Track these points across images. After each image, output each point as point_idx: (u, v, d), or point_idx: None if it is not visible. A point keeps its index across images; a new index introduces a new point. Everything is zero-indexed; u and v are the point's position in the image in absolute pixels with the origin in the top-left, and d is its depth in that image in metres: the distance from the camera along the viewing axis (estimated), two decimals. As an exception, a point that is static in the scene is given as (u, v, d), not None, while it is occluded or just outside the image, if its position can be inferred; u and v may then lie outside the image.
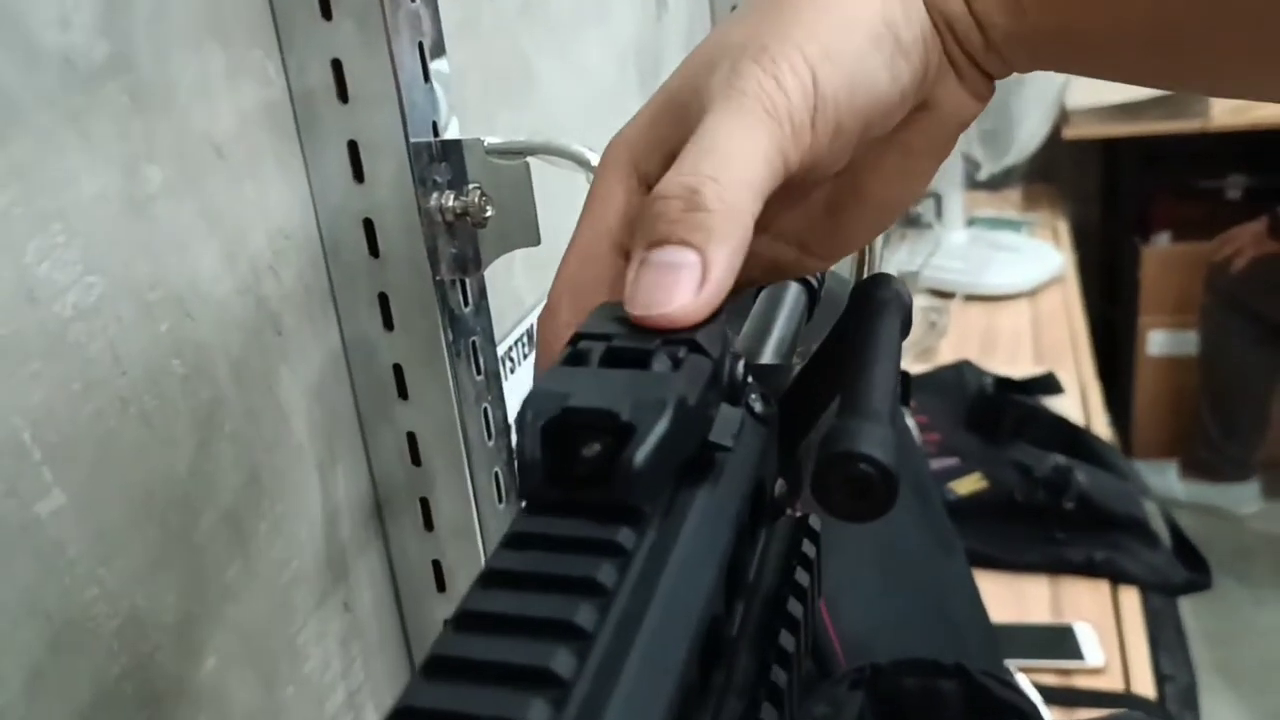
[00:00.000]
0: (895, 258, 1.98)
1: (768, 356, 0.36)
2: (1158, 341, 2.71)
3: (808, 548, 0.29)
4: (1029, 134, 2.15)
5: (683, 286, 0.25)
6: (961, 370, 1.63)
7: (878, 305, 0.29)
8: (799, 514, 0.30)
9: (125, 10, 0.37)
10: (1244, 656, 2.22)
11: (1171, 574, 1.32)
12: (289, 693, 0.45)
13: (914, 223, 1.98)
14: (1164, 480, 2.58)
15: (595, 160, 0.45)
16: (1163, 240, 2.75)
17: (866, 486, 0.23)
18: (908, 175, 0.34)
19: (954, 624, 0.90)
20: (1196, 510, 2.49)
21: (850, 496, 0.23)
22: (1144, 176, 2.73)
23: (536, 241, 0.47)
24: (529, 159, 0.46)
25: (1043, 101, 2.13)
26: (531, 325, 0.60)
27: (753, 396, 0.28)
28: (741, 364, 0.27)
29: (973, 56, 0.32)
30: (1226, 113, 2.49)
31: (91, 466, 0.35)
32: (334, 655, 0.48)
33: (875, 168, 0.33)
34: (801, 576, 0.28)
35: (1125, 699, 1.00)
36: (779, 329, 0.38)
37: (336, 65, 0.44)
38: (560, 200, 0.45)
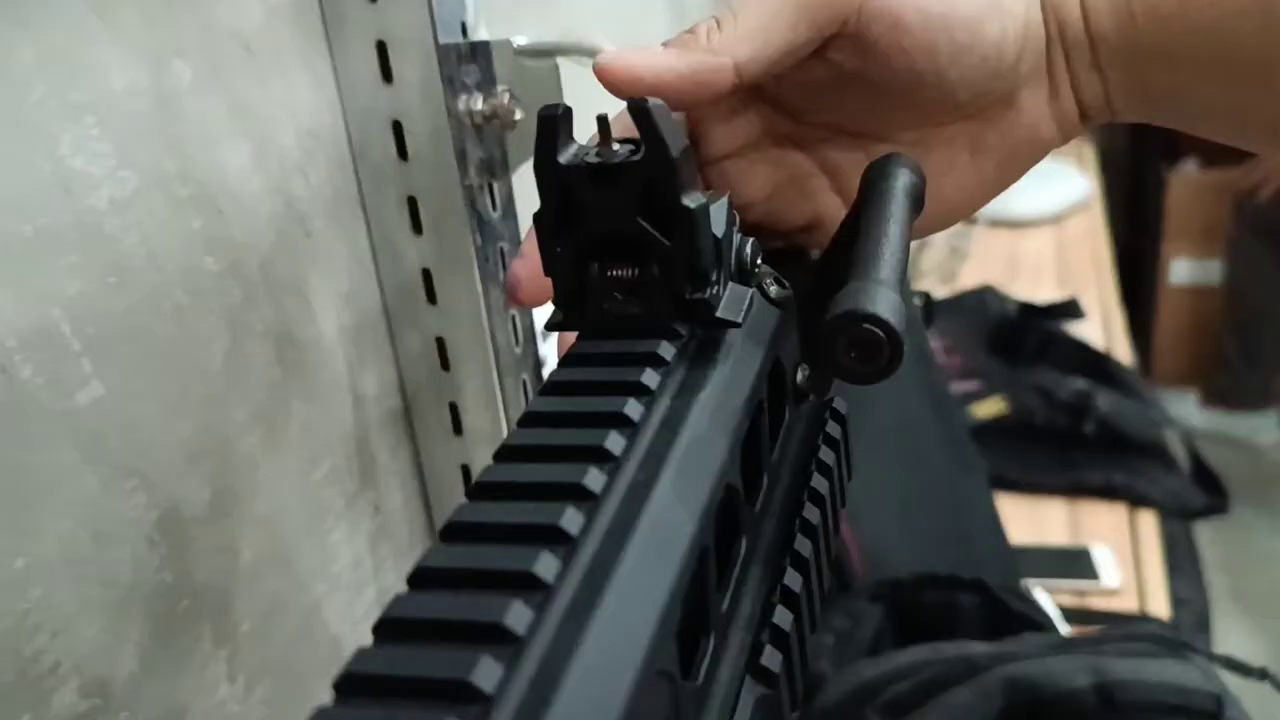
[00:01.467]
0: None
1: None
2: (1181, 270, 2.69)
3: (834, 429, 0.30)
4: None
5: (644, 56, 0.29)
6: (984, 295, 1.62)
7: (887, 184, 0.29)
8: (828, 402, 0.30)
9: (153, -100, 0.36)
10: (1259, 583, 2.23)
11: (1189, 499, 1.32)
12: (320, 590, 0.46)
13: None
14: (1183, 409, 2.57)
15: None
16: (1190, 166, 2.71)
17: (873, 347, 0.23)
18: (975, 176, 0.34)
19: (972, 542, 0.90)
20: (1215, 439, 2.49)
21: (857, 357, 0.24)
22: (1173, 101, 2.68)
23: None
24: (558, 59, 0.45)
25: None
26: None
27: (767, 280, 0.28)
28: (751, 244, 0.27)
29: (1074, 72, 0.33)
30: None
31: (128, 359, 0.35)
32: (364, 555, 0.49)
33: (947, 159, 0.34)
34: (827, 455, 0.29)
35: (1139, 620, 1.01)
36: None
37: (364, -40, 0.43)
38: (586, 102, 0.45)
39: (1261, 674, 0.70)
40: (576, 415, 0.22)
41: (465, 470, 0.52)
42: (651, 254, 0.24)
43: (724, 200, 0.25)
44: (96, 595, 0.35)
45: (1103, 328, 1.69)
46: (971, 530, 0.92)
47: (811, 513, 0.26)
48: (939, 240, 1.96)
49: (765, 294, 0.28)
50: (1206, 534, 1.45)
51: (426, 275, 0.48)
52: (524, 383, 0.51)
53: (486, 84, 0.46)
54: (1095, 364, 1.47)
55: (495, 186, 0.48)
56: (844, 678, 0.66)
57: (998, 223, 2.06)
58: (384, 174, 0.47)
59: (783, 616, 0.24)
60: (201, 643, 0.39)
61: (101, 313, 0.34)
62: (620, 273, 0.25)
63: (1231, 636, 2.18)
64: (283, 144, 0.43)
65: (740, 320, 0.25)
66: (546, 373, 0.55)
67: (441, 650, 0.16)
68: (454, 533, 0.20)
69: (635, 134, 0.24)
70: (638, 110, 0.23)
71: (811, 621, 0.25)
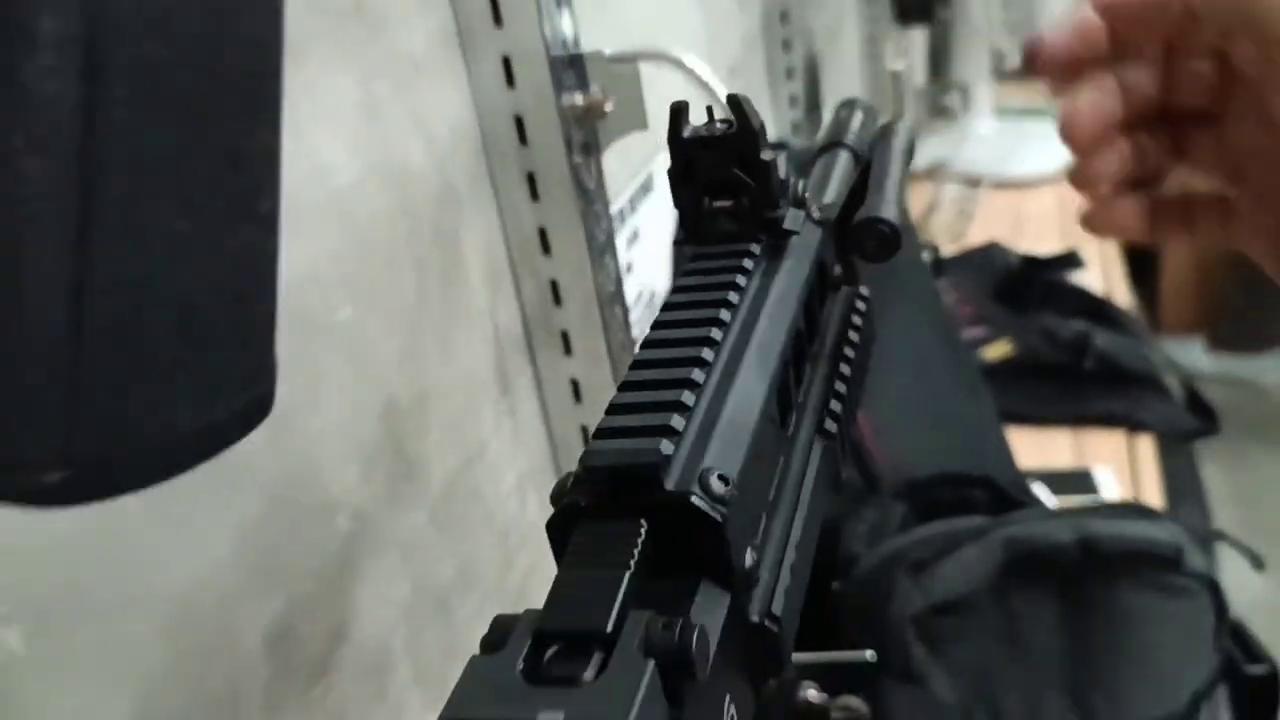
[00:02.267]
0: (925, 149, 2.10)
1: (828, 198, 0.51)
2: (1184, 221, 2.81)
3: (860, 304, 0.44)
4: (1056, 18, 2.24)
5: None
6: (990, 250, 1.76)
7: (886, 141, 0.43)
8: (856, 289, 0.45)
9: (361, -32, 0.51)
10: (1265, 514, 2.36)
11: (1182, 422, 1.46)
12: (479, 471, 0.61)
13: (942, 113, 2.09)
14: (1191, 354, 2.70)
15: (689, 63, 0.59)
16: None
17: (884, 237, 0.38)
18: None
19: (983, 456, 1.05)
20: (1223, 382, 2.61)
21: (875, 244, 0.38)
22: (1170, 61, 2.80)
23: (645, 126, 0.61)
24: (638, 63, 0.60)
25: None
26: (626, 200, 0.75)
27: (813, 208, 0.43)
28: (802, 185, 0.42)
29: None
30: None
31: (361, 292, 0.51)
32: (506, 447, 0.64)
33: None
34: (857, 318, 0.43)
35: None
36: (834, 184, 0.53)
37: (493, -1, 0.58)
38: (657, 94, 0.60)
39: (1219, 535, 0.85)
40: (706, 285, 0.37)
41: (574, 384, 0.68)
42: (743, 190, 0.39)
43: (783, 155, 0.40)
44: (352, 452, 0.50)
45: (1102, 276, 1.82)
46: (981, 446, 1.07)
47: (849, 349, 0.41)
48: (947, 203, 2.10)
49: (811, 216, 0.43)
50: (1214, 471, 1.58)
51: (541, 232, 0.64)
52: (618, 312, 0.66)
53: (584, 85, 0.61)
54: (1094, 307, 1.61)
55: (591, 163, 0.63)
56: (876, 552, 0.81)
57: (1002, 184, 2.19)
58: (508, 156, 0.62)
59: (835, 405, 0.39)
60: (407, 492, 0.54)
61: (346, 259, 0.50)
62: (722, 204, 0.40)
63: (1239, 562, 2.32)
64: (440, 136, 0.58)
65: (798, 230, 0.40)
66: (633, 306, 0.70)
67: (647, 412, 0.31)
68: (640, 364, 0.34)
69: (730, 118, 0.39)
70: (732, 100, 0.38)
71: (850, 413, 0.40)
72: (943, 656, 0.76)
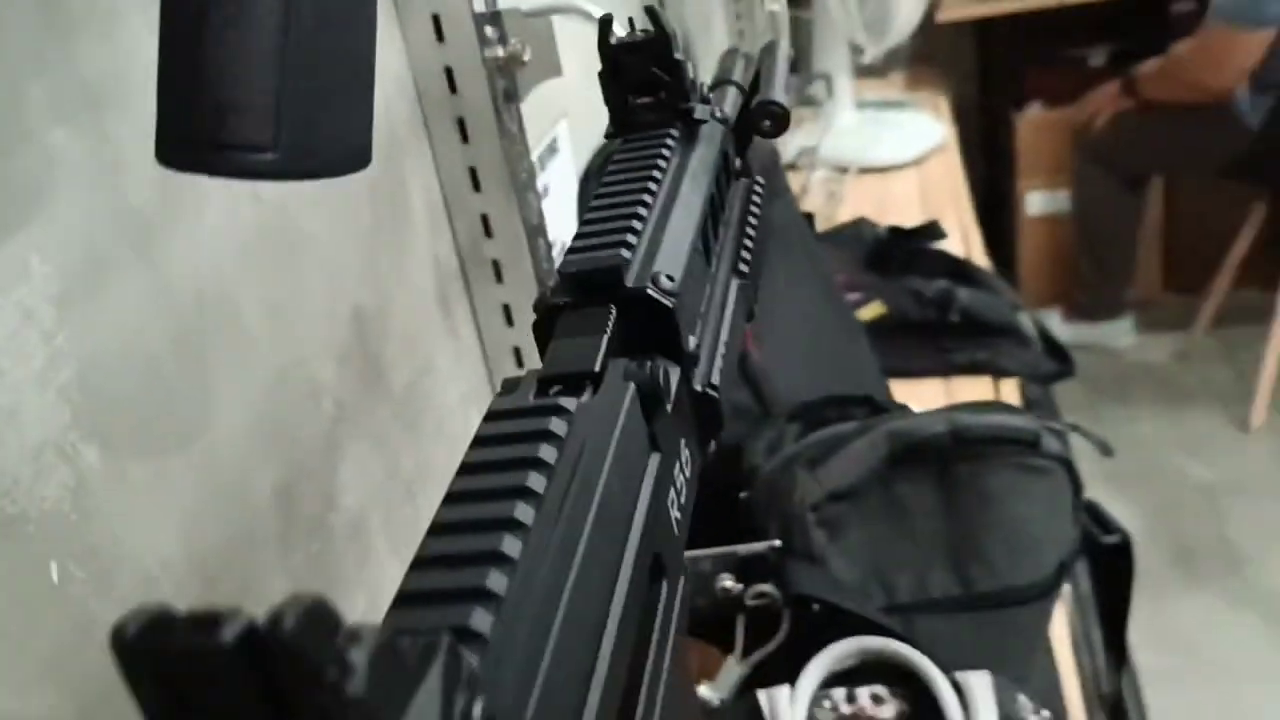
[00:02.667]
0: (794, 139, 2.24)
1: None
2: (1036, 202, 3.02)
3: (758, 190, 0.54)
4: (906, 18, 2.41)
5: None
6: (859, 225, 1.89)
7: (770, 53, 0.53)
8: (752, 180, 0.55)
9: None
10: (1126, 464, 2.55)
11: (1042, 366, 1.61)
12: (429, 382, 0.69)
13: (809, 103, 2.23)
14: (1050, 324, 2.90)
15: (594, 13, 0.69)
16: (1035, 109, 3.04)
17: (777, 115, 0.48)
18: None
19: (862, 383, 1.16)
20: (1080, 349, 2.81)
21: (770, 122, 0.48)
22: (1015, 52, 3.02)
23: (560, 73, 0.70)
24: (552, 17, 0.69)
25: (914, -9, 2.38)
26: (535, 158, 0.84)
27: (716, 110, 0.53)
28: (705, 86, 0.51)
29: None
30: (1083, -17, 2.78)
31: (329, 211, 0.59)
32: (450, 365, 0.72)
33: None
34: (754, 202, 0.53)
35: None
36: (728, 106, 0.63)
37: None
38: (570, 42, 0.69)
39: (1072, 426, 0.97)
40: (640, 157, 0.46)
41: (506, 309, 0.76)
42: (661, 87, 0.48)
43: (692, 63, 0.50)
44: (331, 349, 0.58)
45: (963, 244, 1.98)
46: (860, 377, 1.18)
47: (752, 219, 0.51)
48: (817, 187, 2.24)
49: (715, 115, 0.52)
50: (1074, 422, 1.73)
51: (472, 171, 0.72)
52: (541, 243, 0.75)
53: (504, 38, 0.70)
54: (955, 268, 1.75)
55: (513, 109, 0.72)
56: (775, 458, 0.91)
57: (866, 169, 2.34)
58: (441, 104, 0.70)
59: (745, 255, 0.48)
60: (375, 390, 0.62)
61: (312, 201, 0.58)
62: (644, 100, 0.49)
63: (1110, 505, 2.51)
64: (384, 90, 0.66)
65: (707, 120, 0.49)
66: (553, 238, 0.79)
67: (608, 230, 0.40)
68: (597, 201, 0.43)
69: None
70: (650, 10, 0.47)
71: (757, 267, 0.50)
72: (839, 540, 0.86)
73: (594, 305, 0.38)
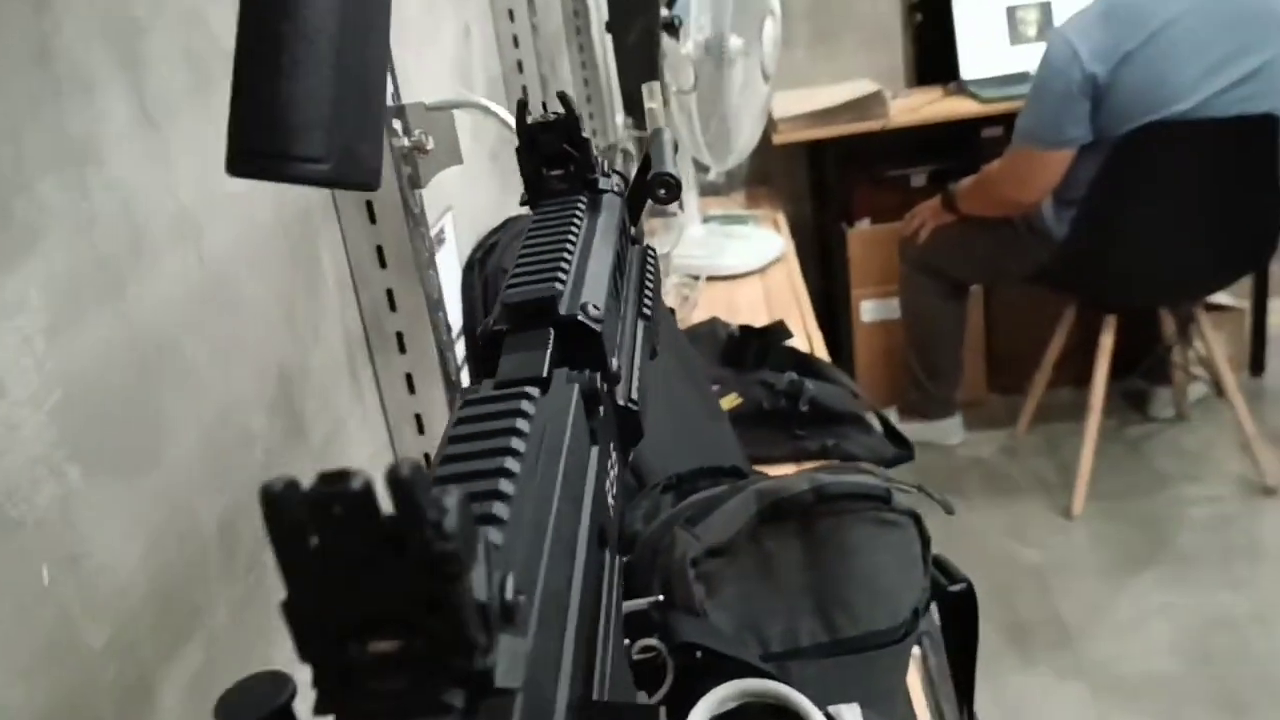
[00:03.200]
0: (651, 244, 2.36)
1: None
2: (869, 309, 3.22)
3: (651, 255, 0.62)
4: (746, 139, 2.58)
5: None
6: (713, 324, 2.01)
7: (658, 138, 0.62)
8: (645, 245, 0.63)
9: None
10: (962, 550, 2.70)
11: (884, 450, 1.73)
12: (342, 440, 0.74)
13: (662, 214, 2.36)
14: (887, 423, 3.07)
15: (497, 110, 0.77)
16: (864, 225, 3.27)
17: (669, 184, 0.56)
18: None
19: (730, 463, 1.25)
20: (915, 446, 2.99)
21: (664, 190, 0.57)
22: (844, 172, 3.25)
23: (460, 161, 0.78)
24: (453, 110, 0.77)
25: (753, 111, 2.56)
26: (442, 225, 0.91)
27: (616, 184, 0.61)
28: (609, 168, 0.60)
29: None
30: (902, 112, 3.04)
31: (259, 274, 0.64)
32: (358, 429, 0.77)
33: None
34: (650, 266, 0.61)
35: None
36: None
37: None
38: (467, 131, 0.76)
39: (918, 488, 1.07)
40: (557, 214, 0.53)
41: (409, 377, 0.81)
42: (570, 161, 0.56)
43: (592, 143, 0.58)
44: (261, 400, 0.62)
45: (806, 344, 2.11)
46: (726, 456, 1.27)
47: (650, 274, 0.59)
48: (671, 292, 2.36)
49: (614, 188, 0.60)
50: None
51: (379, 249, 0.78)
52: (441, 316, 0.81)
53: (409, 128, 0.77)
54: (802, 362, 1.88)
55: (416, 194, 0.79)
56: (654, 523, 0.97)
57: (714, 277, 2.48)
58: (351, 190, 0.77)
59: (647, 301, 0.56)
60: (297, 443, 0.67)
61: (248, 247, 0.63)
62: (556, 172, 0.57)
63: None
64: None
65: (610, 190, 0.57)
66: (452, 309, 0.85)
67: (542, 268, 0.47)
68: (528, 247, 0.50)
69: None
70: (561, 95, 0.55)
71: (655, 315, 0.57)
72: (716, 595, 0.93)
73: (533, 329, 0.45)
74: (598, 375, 0.42)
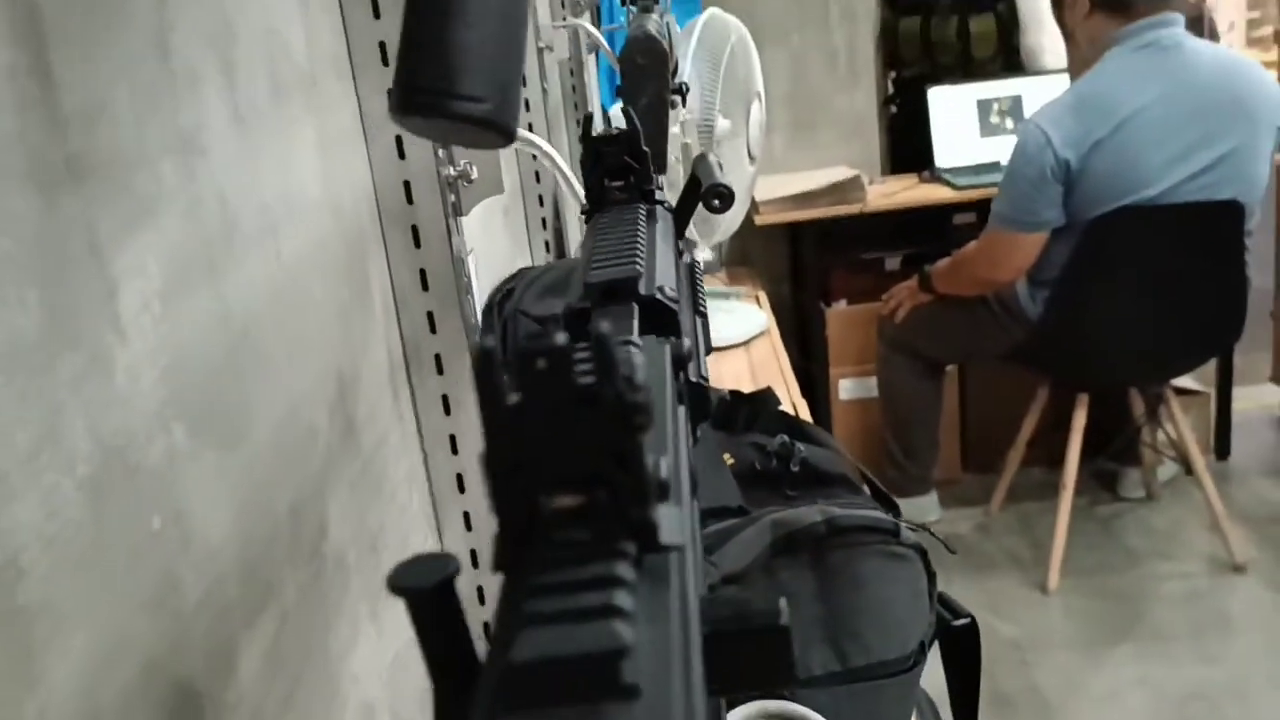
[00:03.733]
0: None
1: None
2: (847, 388, 3.28)
3: (696, 271, 0.66)
4: (730, 218, 2.66)
5: None
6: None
7: (704, 160, 0.66)
8: (692, 258, 0.67)
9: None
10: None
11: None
12: (385, 453, 0.77)
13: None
14: (864, 499, 3.10)
15: (541, 143, 0.81)
16: (841, 305, 3.34)
17: (723, 194, 0.60)
18: None
19: (733, 505, 1.27)
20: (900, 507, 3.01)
21: (719, 199, 0.60)
22: (822, 254, 3.33)
23: (502, 191, 0.82)
24: (498, 144, 0.81)
25: (739, 191, 2.64)
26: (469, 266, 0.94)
27: (666, 203, 0.65)
28: (660, 193, 0.64)
29: None
30: (878, 197, 3.13)
31: (323, 282, 0.67)
32: (397, 444, 0.80)
33: None
34: (697, 279, 0.65)
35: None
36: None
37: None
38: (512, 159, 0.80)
39: (922, 526, 1.10)
40: (622, 218, 0.57)
41: (445, 399, 0.84)
42: (631, 173, 0.60)
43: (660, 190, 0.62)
44: (323, 398, 0.65)
45: (792, 411, 2.15)
46: (730, 500, 1.29)
47: (698, 281, 0.62)
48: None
49: (664, 203, 0.64)
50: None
51: (422, 273, 0.82)
52: (481, 337, 0.84)
53: (456, 157, 0.81)
54: (791, 425, 1.91)
55: (458, 222, 0.83)
56: (670, 555, 1.00)
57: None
58: (399, 213, 0.80)
59: (701, 299, 0.59)
60: (350, 444, 0.69)
61: (320, 252, 0.66)
62: (616, 184, 0.61)
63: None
64: (351, 194, 0.76)
65: (665, 201, 0.61)
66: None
67: (622, 256, 0.51)
68: (599, 243, 0.54)
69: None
70: (625, 111, 0.60)
71: (705, 316, 0.61)
72: (732, 624, 0.95)
73: (615, 306, 0.48)
74: (681, 343, 0.46)
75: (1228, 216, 2.48)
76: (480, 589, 0.87)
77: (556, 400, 0.27)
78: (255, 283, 0.57)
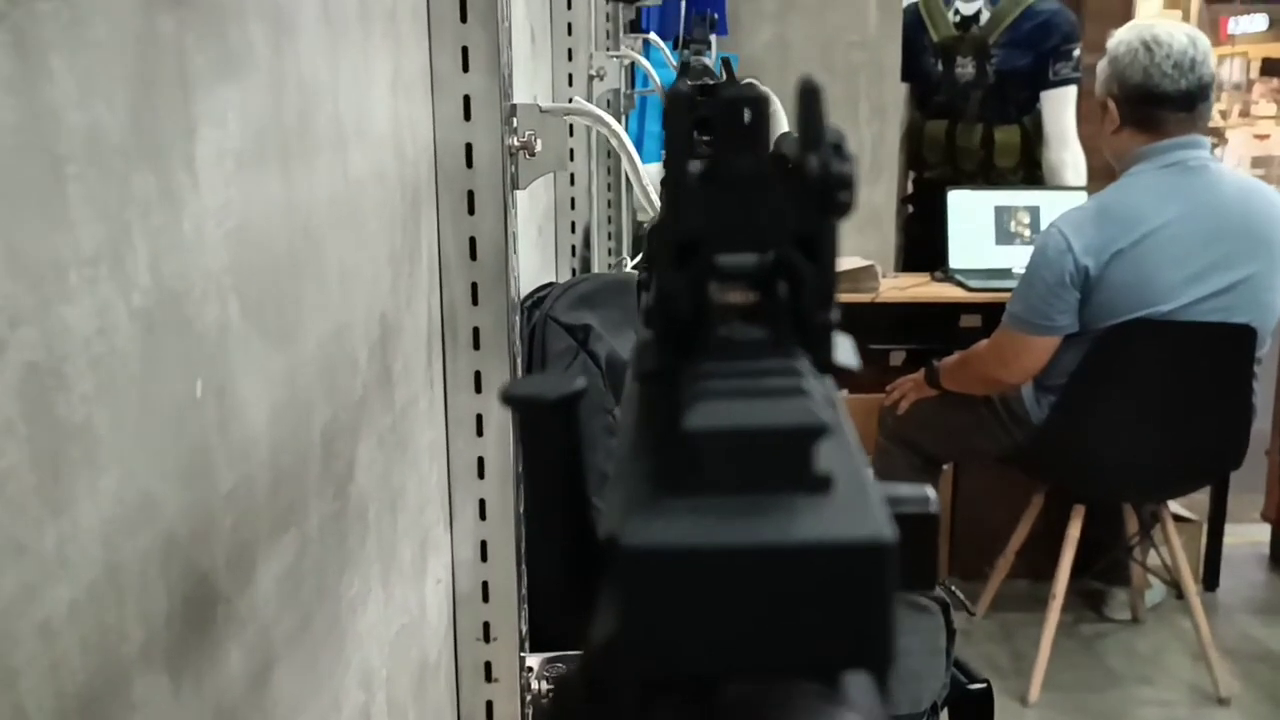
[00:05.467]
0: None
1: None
2: (839, 477, 3.24)
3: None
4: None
5: None
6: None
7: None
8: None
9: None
10: None
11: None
12: (414, 416, 0.73)
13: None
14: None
15: (608, 119, 0.79)
16: (843, 394, 3.31)
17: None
18: None
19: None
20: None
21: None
22: (827, 341, 3.31)
23: (565, 168, 0.79)
24: (565, 117, 0.79)
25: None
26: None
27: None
28: None
29: None
30: (891, 290, 3.13)
31: (375, 225, 0.64)
32: (424, 412, 0.76)
33: None
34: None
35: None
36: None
37: (464, 49, 0.76)
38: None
39: (942, 584, 1.05)
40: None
41: (477, 376, 0.80)
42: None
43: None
44: (364, 339, 0.61)
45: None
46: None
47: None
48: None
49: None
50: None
51: (471, 241, 0.78)
52: (517, 320, 0.81)
53: (522, 127, 0.78)
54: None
55: (515, 193, 0.80)
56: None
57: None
58: (455, 175, 0.77)
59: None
60: (384, 395, 0.65)
61: (372, 201, 0.63)
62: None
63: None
64: (412, 148, 0.73)
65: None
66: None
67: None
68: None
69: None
70: (725, 61, 0.57)
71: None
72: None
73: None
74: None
75: (1240, 341, 2.48)
76: (485, 584, 0.82)
77: (753, 162, 0.23)
78: (321, 187, 0.53)
